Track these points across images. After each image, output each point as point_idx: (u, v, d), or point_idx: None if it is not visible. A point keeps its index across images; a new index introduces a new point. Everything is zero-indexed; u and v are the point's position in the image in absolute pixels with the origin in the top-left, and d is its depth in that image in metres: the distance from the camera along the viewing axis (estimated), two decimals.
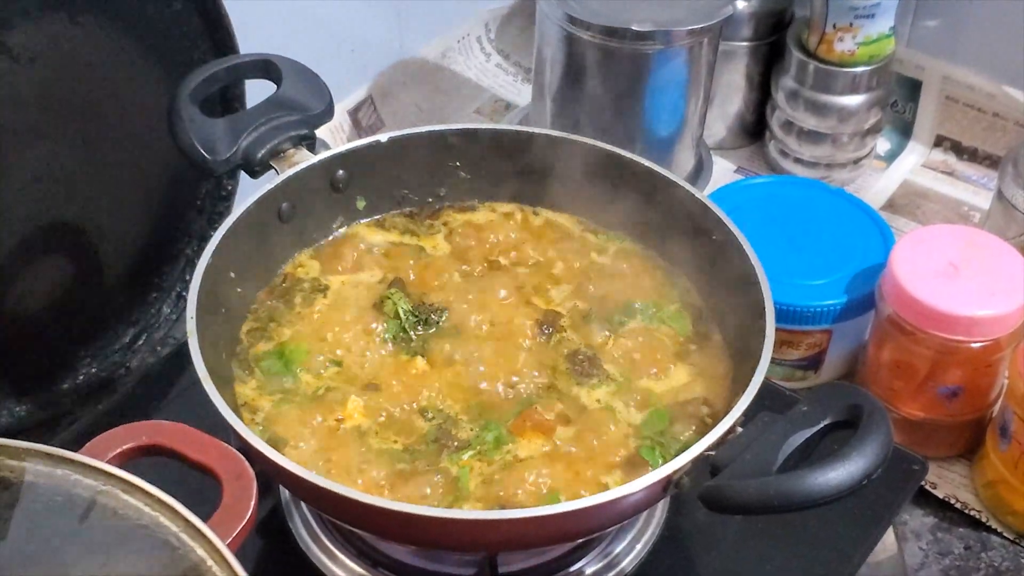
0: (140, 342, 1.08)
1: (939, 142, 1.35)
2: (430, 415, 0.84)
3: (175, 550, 0.62)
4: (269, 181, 0.92)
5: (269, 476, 0.76)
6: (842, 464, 0.69)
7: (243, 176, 0.97)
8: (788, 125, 1.29)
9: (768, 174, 1.33)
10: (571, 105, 1.21)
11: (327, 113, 0.95)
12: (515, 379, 0.87)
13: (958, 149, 1.34)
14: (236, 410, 0.80)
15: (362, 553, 0.87)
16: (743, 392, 0.77)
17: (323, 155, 0.94)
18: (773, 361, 0.81)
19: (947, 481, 1.04)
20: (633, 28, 1.13)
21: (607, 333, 0.91)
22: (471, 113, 1.41)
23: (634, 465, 0.81)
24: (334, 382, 0.86)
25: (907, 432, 1.01)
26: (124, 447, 0.71)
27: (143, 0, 0.96)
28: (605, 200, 0.98)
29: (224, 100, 1.04)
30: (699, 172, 1.30)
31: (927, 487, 1.02)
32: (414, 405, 0.85)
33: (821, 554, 0.89)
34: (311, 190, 0.94)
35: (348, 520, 0.81)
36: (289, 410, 0.84)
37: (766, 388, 0.78)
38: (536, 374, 0.87)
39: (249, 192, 0.91)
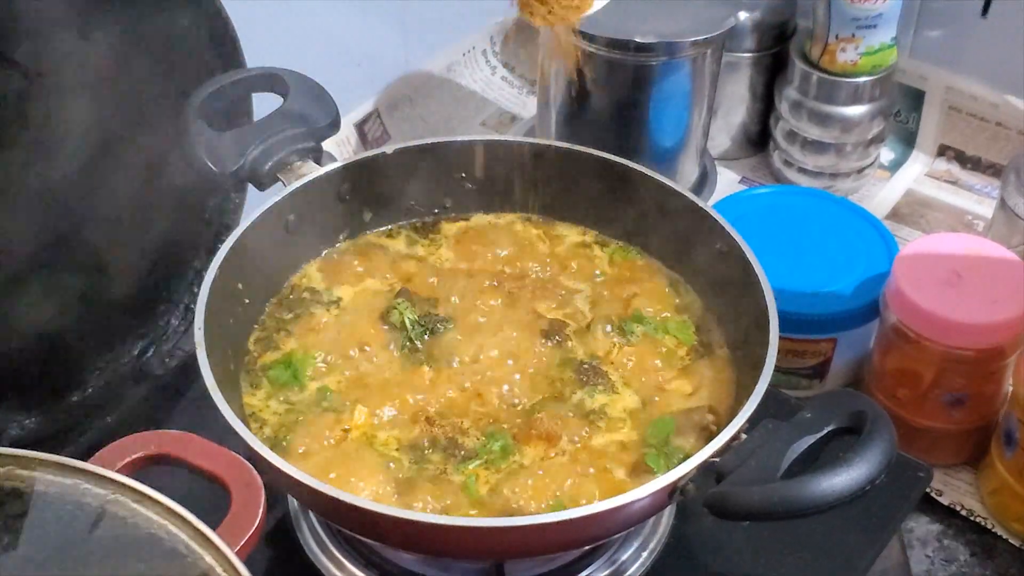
0: (149, 354, 1.08)
1: (942, 151, 1.36)
2: (437, 424, 0.85)
3: (184, 558, 0.62)
4: (276, 193, 0.92)
5: (277, 485, 0.76)
6: (845, 470, 0.69)
7: (250, 188, 0.98)
8: (792, 135, 1.30)
9: (772, 184, 1.33)
10: (575, 117, 1.21)
11: (333, 126, 0.96)
12: (520, 388, 0.87)
13: (961, 158, 1.35)
14: (244, 420, 0.81)
15: (370, 562, 0.88)
16: (747, 400, 0.78)
17: (329, 167, 0.94)
18: (778, 370, 0.81)
19: (952, 488, 1.04)
20: (637, 40, 1.13)
21: (612, 342, 0.91)
22: (477, 125, 1.42)
23: (640, 472, 0.81)
24: (341, 391, 0.87)
25: (912, 440, 1.02)
26: (133, 456, 0.71)
27: (151, 16, 0.96)
28: (610, 210, 0.98)
29: (232, 113, 1.05)
30: (703, 182, 1.31)
31: (932, 494, 1.02)
32: (420, 414, 0.85)
33: (827, 561, 0.90)
34: (318, 202, 0.95)
35: (355, 529, 0.81)
36: (296, 419, 0.84)
37: (770, 396, 0.78)
38: (541, 383, 0.88)
39: (256, 204, 0.92)
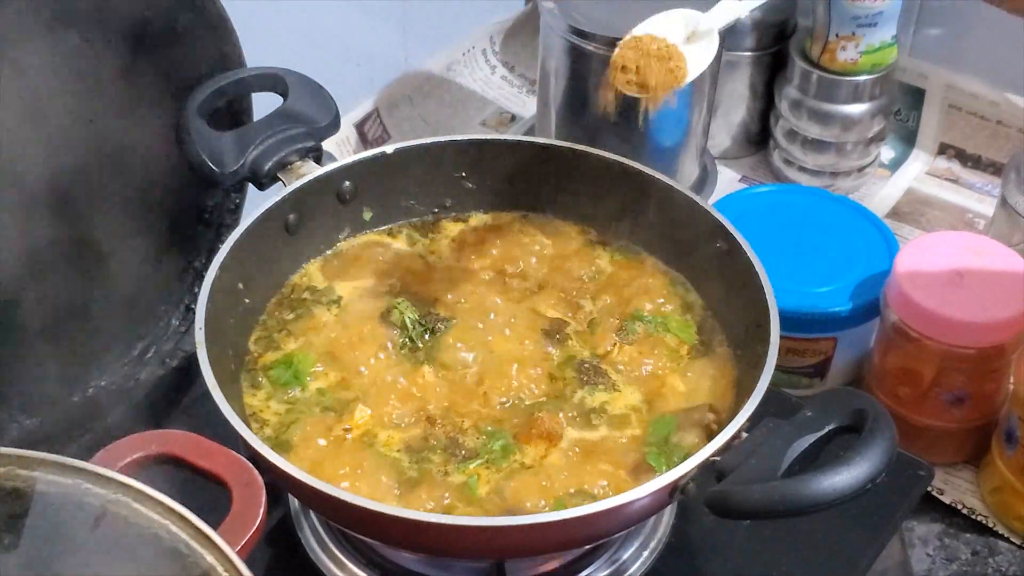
0: (149, 354, 1.08)
1: (943, 150, 1.35)
2: (437, 423, 0.85)
3: (185, 558, 0.62)
4: (276, 193, 0.92)
5: (278, 485, 0.76)
6: (846, 468, 0.69)
7: (251, 188, 0.98)
8: (792, 134, 1.30)
9: (773, 183, 1.33)
10: (575, 116, 1.21)
11: (333, 126, 0.96)
12: (521, 387, 0.87)
13: (962, 157, 1.35)
14: (245, 420, 0.81)
15: (371, 562, 0.88)
16: (748, 399, 0.78)
17: (329, 167, 0.94)
18: (779, 369, 0.81)
19: (954, 487, 1.04)
20: None
21: (613, 341, 0.91)
22: (476, 125, 1.42)
23: (641, 471, 0.81)
24: (341, 391, 0.87)
25: (913, 438, 1.01)
26: (134, 456, 0.71)
27: (151, 16, 0.96)
28: (610, 209, 0.98)
29: (231, 113, 1.05)
30: (704, 181, 1.31)
31: (934, 493, 1.02)
32: (421, 414, 0.85)
33: (828, 560, 0.90)
34: (318, 202, 0.95)
35: (356, 528, 0.81)
36: (297, 419, 0.84)
37: (771, 394, 0.79)
38: (542, 382, 0.88)
39: (256, 204, 0.92)
